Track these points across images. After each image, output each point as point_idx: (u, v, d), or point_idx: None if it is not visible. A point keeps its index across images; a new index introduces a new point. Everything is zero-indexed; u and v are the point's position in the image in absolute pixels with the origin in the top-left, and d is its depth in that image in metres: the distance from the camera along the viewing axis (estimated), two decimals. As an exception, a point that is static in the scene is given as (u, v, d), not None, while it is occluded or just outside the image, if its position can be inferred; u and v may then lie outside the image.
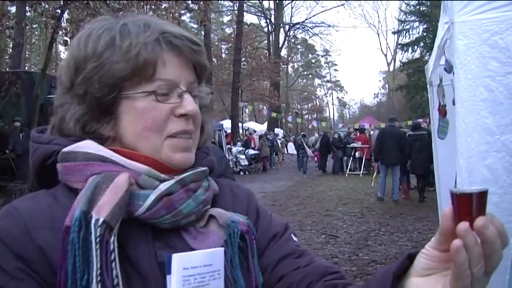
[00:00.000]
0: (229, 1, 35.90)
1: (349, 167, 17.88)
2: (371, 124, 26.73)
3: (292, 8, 45.74)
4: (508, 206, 2.11)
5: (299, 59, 57.49)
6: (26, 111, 11.28)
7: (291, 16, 46.44)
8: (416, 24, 32.98)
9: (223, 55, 34.55)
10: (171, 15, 10.09)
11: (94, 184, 0.71)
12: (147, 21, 0.79)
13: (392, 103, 49.08)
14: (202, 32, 26.34)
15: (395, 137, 10.60)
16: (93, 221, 0.67)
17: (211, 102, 0.90)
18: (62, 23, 10.29)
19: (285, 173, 19.42)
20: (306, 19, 43.20)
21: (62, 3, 9.99)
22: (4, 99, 11.31)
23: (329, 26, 44.60)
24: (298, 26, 43.73)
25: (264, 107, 36.25)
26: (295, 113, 47.99)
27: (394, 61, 53.72)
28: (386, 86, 58.28)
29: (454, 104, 2.63)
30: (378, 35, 72.07)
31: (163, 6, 10.62)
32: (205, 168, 0.84)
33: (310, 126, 49.26)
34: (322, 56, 56.75)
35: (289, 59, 47.99)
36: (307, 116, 59.49)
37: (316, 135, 25.95)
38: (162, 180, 0.77)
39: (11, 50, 17.02)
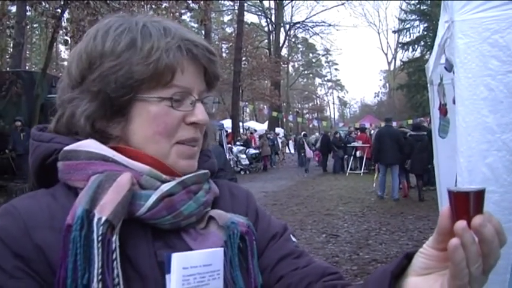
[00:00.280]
0: (229, 0, 36.00)
1: (349, 166, 17.88)
2: (372, 123, 26.69)
3: (292, 7, 45.85)
4: (509, 205, 2.12)
5: (299, 58, 57.55)
6: (27, 111, 11.29)
7: (292, 15, 46.58)
8: (417, 23, 33.01)
9: (224, 54, 34.49)
10: (171, 14, 10.09)
11: (97, 183, 0.71)
12: (166, 25, 0.79)
13: (393, 102, 49.06)
14: (203, 32, 26.32)
15: (393, 136, 10.68)
16: (95, 220, 0.67)
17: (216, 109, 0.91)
18: (63, 23, 10.31)
19: (286, 173, 19.42)
20: (306, 18, 43.29)
21: (62, 3, 10.01)
22: (5, 99, 11.32)
23: (329, 25, 44.77)
24: (298, 25, 43.76)
25: (265, 107, 36.19)
26: (295, 112, 47.91)
27: (395, 60, 53.77)
28: (387, 85, 58.27)
29: (454, 102, 2.62)
30: (379, 34, 72.07)
31: (163, 6, 10.63)
32: (207, 171, 0.85)
33: (310, 126, 49.25)
34: (323, 55, 56.81)
35: (290, 58, 48.05)
36: (307, 115, 59.55)
37: (317, 134, 25.93)
38: (164, 181, 0.77)
39: (11, 50, 17.03)
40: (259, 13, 41.91)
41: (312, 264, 0.85)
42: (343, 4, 43.87)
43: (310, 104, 63.95)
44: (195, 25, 33.03)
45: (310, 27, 43.41)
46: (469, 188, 0.55)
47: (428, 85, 4.81)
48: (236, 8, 31.94)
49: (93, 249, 0.66)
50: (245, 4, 31.98)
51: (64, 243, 0.66)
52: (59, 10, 10.01)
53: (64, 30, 10.34)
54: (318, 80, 66.62)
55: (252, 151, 20.07)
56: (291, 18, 45.55)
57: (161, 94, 0.76)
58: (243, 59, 29.66)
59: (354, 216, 8.86)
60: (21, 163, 10.71)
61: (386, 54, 57.75)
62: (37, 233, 0.69)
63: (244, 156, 19.28)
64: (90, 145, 0.76)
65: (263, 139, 21.03)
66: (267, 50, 38.45)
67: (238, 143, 21.49)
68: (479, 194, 0.55)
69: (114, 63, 0.74)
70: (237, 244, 0.80)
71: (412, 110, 32.38)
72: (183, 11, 11.82)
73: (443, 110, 4.10)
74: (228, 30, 44.86)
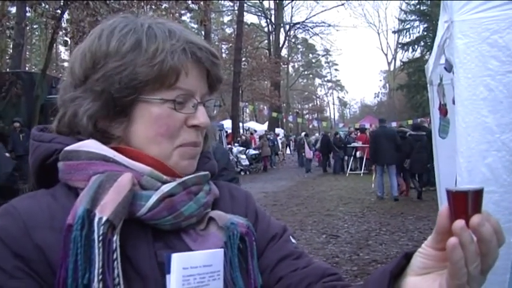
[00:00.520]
0: (229, 1, 35.91)
1: (349, 167, 17.88)
2: (372, 124, 26.66)
3: (292, 7, 45.85)
4: (509, 205, 2.12)
5: (299, 58, 57.57)
6: (26, 112, 11.27)
7: (291, 16, 46.53)
8: (417, 23, 33.02)
9: (224, 55, 34.53)
10: (171, 15, 10.09)
11: (97, 183, 0.71)
12: (170, 27, 0.79)
13: (393, 102, 49.06)
14: (203, 32, 26.33)
15: (389, 136, 10.74)
16: (96, 220, 0.67)
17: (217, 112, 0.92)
18: (62, 24, 10.30)
19: (286, 173, 19.42)
20: (306, 19, 43.26)
21: (62, 4, 9.99)
22: (4, 100, 11.30)
23: (329, 25, 44.78)
24: (298, 25, 43.75)
25: (265, 107, 36.27)
26: (295, 112, 47.92)
27: (395, 60, 53.75)
28: (387, 85, 58.23)
29: (454, 103, 2.62)
30: (379, 34, 71.99)
31: (163, 6, 10.62)
32: (207, 172, 0.85)
33: (310, 126, 49.28)
34: (323, 56, 56.84)
35: (290, 58, 48.06)
36: (307, 115, 59.57)
37: (317, 134, 25.94)
38: (165, 182, 0.77)
39: (11, 51, 17.01)
40: (259, 13, 41.97)
41: (311, 265, 0.85)
42: (343, 4, 43.86)
43: (310, 105, 63.94)
44: (195, 26, 33.05)
45: (310, 27, 43.45)
46: (468, 188, 0.55)
47: (428, 85, 4.81)
48: (236, 8, 31.95)
49: (94, 249, 0.66)
50: (245, 4, 32.04)
51: (65, 243, 0.66)
52: (59, 11, 10.00)
53: (64, 31, 10.33)
54: (317, 81, 66.76)
55: (252, 152, 20.07)
56: (290, 19, 45.59)
57: (164, 96, 0.77)
58: (243, 59, 29.68)
59: (354, 216, 8.85)
60: (22, 164, 10.70)
61: (386, 55, 57.80)
62: (37, 233, 0.69)
63: (244, 156, 19.28)
64: (91, 145, 0.76)
65: (263, 140, 21.03)
66: (267, 51, 38.45)
67: (236, 144, 21.46)
68: (478, 194, 0.55)
69: (118, 64, 0.75)
70: (236, 245, 0.80)
71: (412, 110, 32.40)
72: (182, 12, 11.82)
73: (443, 110, 4.10)
74: (228, 30, 44.94)
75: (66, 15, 10.19)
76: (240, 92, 28.73)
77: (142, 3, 10.28)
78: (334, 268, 0.88)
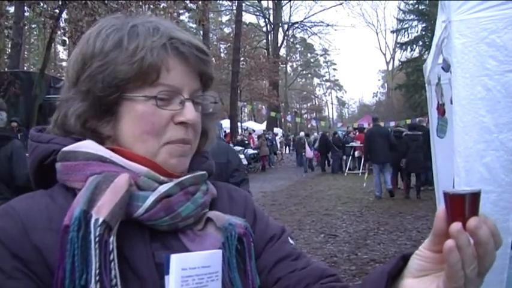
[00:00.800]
0: (227, 1, 35.95)
1: (348, 166, 17.89)
2: (370, 123, 26.69)
3: (290, 7, 45.85)
4: (506, 204, 2.12)
5: (298, 58, 57.52)
6: (25, 112, 11.25)
7: (290, 15, 46.54)
8: (415, 23, 33.09)
9: (222, 55, 34.45)
10: (169, 15, 10.08)
11: (94, 184, 0.71)
12: (157, 25, 0.78)
13: (391, 102, 49.11)
14: (201, 32, 26.34)
15: (383, 135, 10.83)
16: (92, 221, 0.67)
17: (215, 108, 0.90)
18: (61, 23, 10.29)
19: (284, 173, 19.42)
20: (304, 18, 43.22)
21: (60, 3, 9.99)
22: (3, 99, 11.28)
23: (328, 25, 44.75)
24: (296, 25, 43.70)
25: (263, 107, 36.26)
26: (294, 112, 47.99)
27: (393, 60, 53.87)
28: (386, 85, 58.34)
29: (452, 102, 2.63)
30: (377, 34, 72.21)
31: (161, 6, 10.61)
32: (204, 172, 0.84)
33: (309, 126, 49.22)
34: (321, 55, 56.79)
35: (288, 58, 48.01)
36: (306, 115, 59.51)
37: (316, 134, 25.95)
38: (162, 182, 0.77)
39: (9, 50, 16.96)
40: (258, 13, 41.96)
41: (309, 266, 0.85)
42: (341, 4, 43.88)
43: (309, 104, 63.93)
44: (193, 25, 33.09)
45: (308, 27, 43.43)
46: (465, 190, 0.55)
47: (426, 85, 4.81)
48: (234, 8, 31.98)
49: (91, 250, 0.66)
50: (243, 4, 32.00)
51: (61, 244, 0.66)
52: (57, 10, 9.99)
53: (62, 31, 10.31)
54: (316, 80, 66.74)
55: (250, 151, 20.06)
56: (289, 18, 45.58)
57: (147, 93, 0.76)
58: (241, 59, 29.62)
59: (352, 216, 8.87)
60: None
61: (384, 54, 57.89)
62: (35, 233, 0.70)
63: (242, 156, 19.27)
64: (88, 146, 0.76)
65: (261, 139, 21.02)
66: (265, 50, 38.41)
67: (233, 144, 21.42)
68: (475, 196, 0.55)
69: (101, 63, 0.75)
70: (234, 246, 0.80)
71: (411, 109, 32.45)
72: (181, 11, 11.83)
73: (441, 110, 4.10)
74: (226, 30, 44.77)
75: (64, 15, 10.19)
76: (239, 91, 28.68)
77: (140, 3, 10.27)
78: (332, 269, 0.88)
